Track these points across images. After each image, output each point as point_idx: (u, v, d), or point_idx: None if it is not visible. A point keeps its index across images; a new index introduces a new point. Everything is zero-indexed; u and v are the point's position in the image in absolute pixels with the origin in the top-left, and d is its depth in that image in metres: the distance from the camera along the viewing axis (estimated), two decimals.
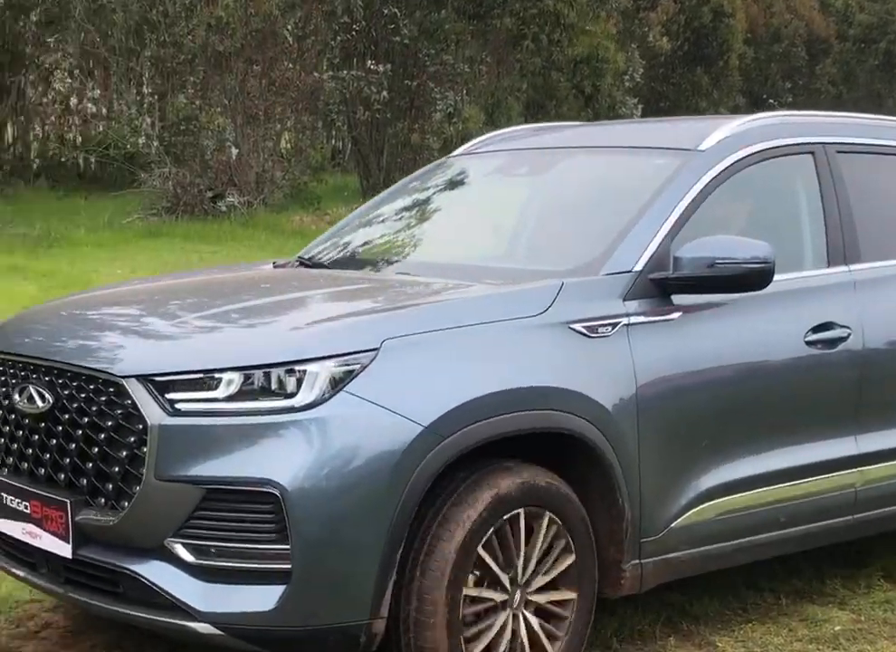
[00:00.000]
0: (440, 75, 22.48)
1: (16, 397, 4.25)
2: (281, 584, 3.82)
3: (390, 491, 3.88)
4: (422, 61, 22.32)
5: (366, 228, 5.73)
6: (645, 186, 4.84)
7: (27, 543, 4.24)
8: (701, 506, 4.62)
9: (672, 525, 4.56)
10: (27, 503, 4.20)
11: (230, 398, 3.89)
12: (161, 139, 20.37)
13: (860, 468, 5.08)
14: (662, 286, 4.56)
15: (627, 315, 4.46)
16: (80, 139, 19.86)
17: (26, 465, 4.27)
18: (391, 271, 5.19)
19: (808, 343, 4.90)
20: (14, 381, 4.32)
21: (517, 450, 4.30)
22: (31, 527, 4.20)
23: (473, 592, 4.10)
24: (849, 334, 5.01)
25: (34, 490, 4.19)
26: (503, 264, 5.05)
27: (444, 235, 5.52)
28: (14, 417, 4.30)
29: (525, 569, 4.23)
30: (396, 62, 22.44)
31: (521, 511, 4.18)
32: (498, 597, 4.17)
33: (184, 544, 3.88)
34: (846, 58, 31.60)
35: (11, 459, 4.35)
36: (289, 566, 3.81)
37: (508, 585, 4.18)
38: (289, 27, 21.00)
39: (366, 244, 5.60)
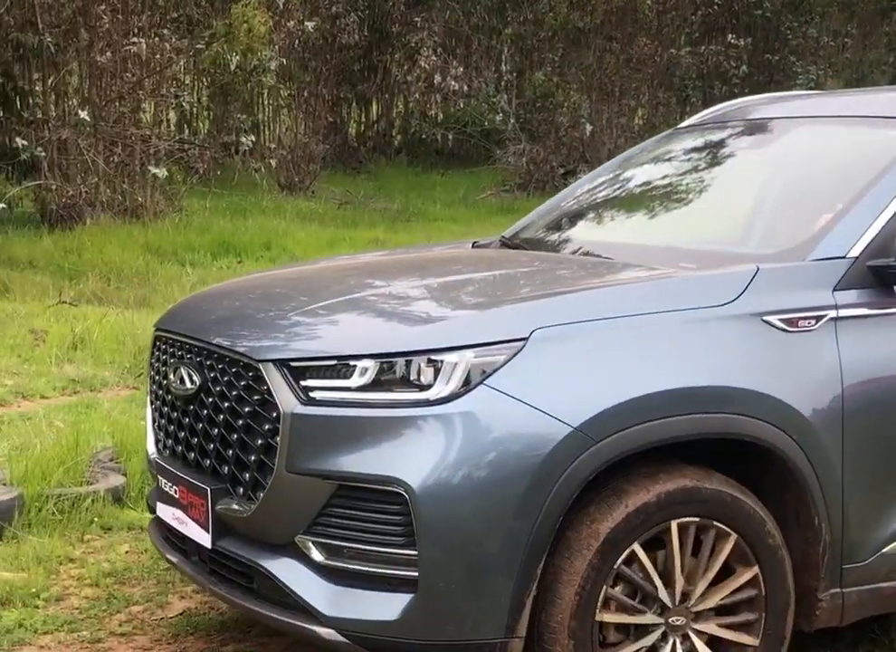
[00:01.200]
0: (802, 49, 21.29)
1: (171, 377, 4.02)
2: (408, 593, 3.41)
3: (531, 497, 3.39)
4: (784, 34, 21.19)
5: (574, 205, 5.18)
6: (874, 161, 4.10)
7: (179, 530, 4.01)
8: None
9: (884, 550, 3.86)
10: (177, 488, 3.98)
11: (363, 388, 3.50)
12: (517, 116, 20.22)
13: None
14: (883, 275, 3.84)
15: (836, 307, 3.77)
16: (440, 116, 19.96)
17: (179, 448, 4.04)
18: (583, 251, 4.63)
19: None
20: (171, 361, 4.09)
21: (699, 459, 3.70)
22: (179, 513, 3.98)
23: (613, 618, 3.55)
24: None
25: (182, 475, 3.95)
26: (706, 247, 4.39)
27: (650, 214, 4.92)
28: (169, 397, 4.08)
29: (689, 589, 3.63)
30: (758, 36, 21.40)
31: (681, 521, 3.57)
32: (648, 619, 3.59)
33: (314, 542, 3.53)
34: None
35: (169, 441, 4.14)
36: (416, 573, 3.39)
37: (666, 606, 3.60)
38: (649, 3, 20.41)
39: (567, 222, 5.04)
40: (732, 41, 20.52)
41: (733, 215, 4.75)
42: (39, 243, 12.74)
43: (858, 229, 3.88)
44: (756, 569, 3.68)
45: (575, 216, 5.09)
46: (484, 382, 3.42)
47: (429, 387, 3.44)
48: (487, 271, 4.44)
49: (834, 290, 3.79)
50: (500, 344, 3.46)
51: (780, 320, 3.70)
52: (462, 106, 20.18)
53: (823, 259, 3.85)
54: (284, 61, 16.83)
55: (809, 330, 3.73)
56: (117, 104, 14.44)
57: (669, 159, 5.14)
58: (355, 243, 14.19)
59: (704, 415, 3.59)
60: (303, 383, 3.55)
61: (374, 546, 3.44)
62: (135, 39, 14.02)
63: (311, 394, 3.53)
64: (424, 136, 20.58)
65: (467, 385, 3.42)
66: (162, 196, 14.43)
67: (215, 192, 16.15)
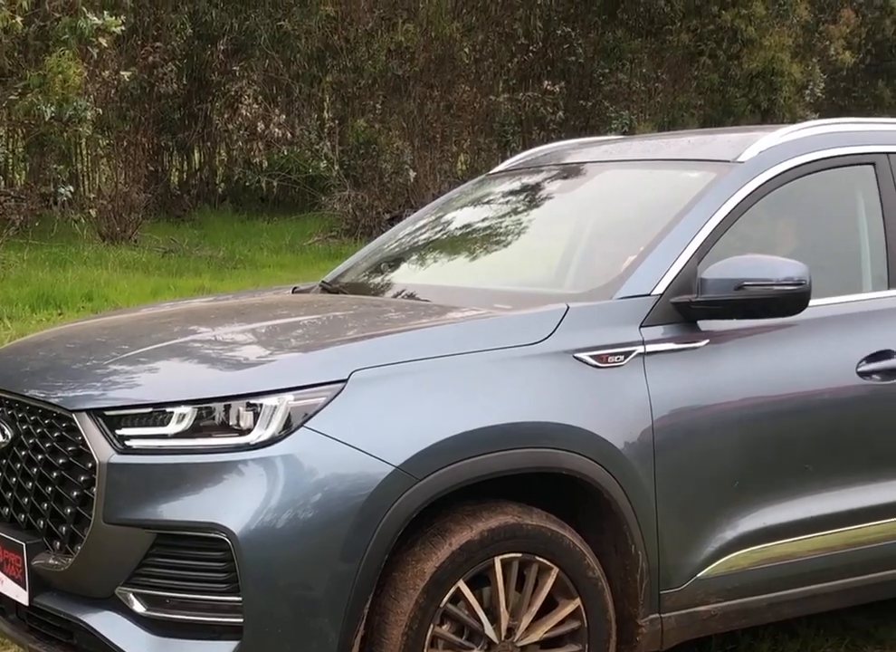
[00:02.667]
0: (615, 94, 21.88)
1: None
2: (233, 640, 3.39)
3: (356, 537, 3.41)
4: (597, 80, 21.75)
5: (392, 250, 5.26)
6: (676, 202, 4.26)
7: None
8: (734, 555, 4.03)
9: (699, 576, 3.98)
10: None
11: (181, 435, 3.48)
12: (341, 163, 20.31)
13: None
14: (685, 311, 3.99)
15: (643, 343, 3.90)
16: (265, 163, 19.92)
17: None
18: (402, 294, 4.71)
19: (861, 374, 4.24)
20: None
21: (522, 493, 3.79)
22: None
23: None
24: None
25: None
26: (520, 288, 4.53)
27: (466, 258, 5.02)
28: None
29: (514, 624, 3.69)
30: (572, 82, 21.93)
31: (504, 557, 3.63)
32: None
33: (135, 594, 3.47)
34: None
35: None
36: (241, 620, 3.37)
37: (493, 641, 3.65)
38: (466, 50, 20.74)
39: (386, 266, 5.11)
40: (548, 87, 20.96)
41: (545, 257, 4.92)
42: None
43: (661, 268, 4.02)
44: (578, 601, 3.76)
45: (393, 260, 5.15)
46: (305, 425, 3.43)
47: (249, 431, 3.43)
48: (307, 315, 4.46)
49: (641, 326, 3.92)
50: (319, 386, 3.49)
51: (591, 356, 3.82)
52: (285, 153, 20.17)
53: (629, 297, 3.98)
54: (101, 110, 16.54)
55: (619, 366, 3.85)
56: None
57: (482, 204, 5.25)
58: (180, 291, 14.02)
59: (521, 450, 3.67)
60: (119, 432, 3.52)
61: (197, 594, 3.41)
62: None
63: (128, 442, 3.50)
64: (248, 183, 20.47)
65: (287, 428, 3.43)
66: None
67: (33, 244, 15.80)
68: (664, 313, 3.97)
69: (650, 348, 3.90)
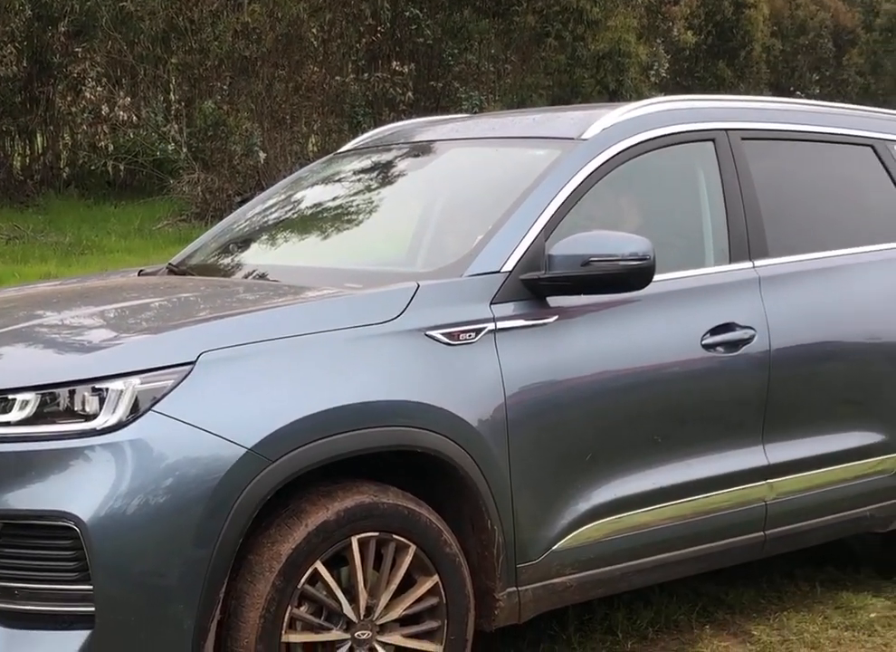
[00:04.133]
0: (465, 75, 21.91)
1: None
2: (85, 629, 3.33)
3: (209, 521, 3.38)
4: (446, 61, 21.76)
5: (240, 231, 5.20)
6: (522, 179, 4.31)
7: None
8: (587, 527, 4.10)
9: (554, 548, 4.04)
10: None
11: (25, 422, 3.41)
12: (189, 146, 19.97)
13: (769, 481, 4.53)
14: (535, 288, 4.03)
15: (494, 320, 3.93)
16: (110, 146, 19.50)
17: None
18: (250, 275, 4.67)
19: (706, 346, 4.35)
20: None
21: (381, 472, 3.80)
22: None
23: (299, 638, 3.59)
24: (753, 335, 4.45)
25: None
26: (371, 267, 4.52)
27: (316, 237, 4.99)
28: None
29: (373, 603, 3.69)
30: (421, 63, 21.89)
31: (361, 537, 3.64)
32: (335, 636, 3.63)
33: None
34: (873, 48, 30.69)
35: None
36: (92, 609, 3.31)
37: (351, 621, 3.65)
38: (314, 31, 20.56)
39: (234, 247, 5.05)
40: (397, 68, 20.93)
41: (395, 235, 4.92)
42: None
43: (509, 245, 4.06)
44: (436, 578, 3.79)
45: (242, 241, 5.10)
46: (153, 408, 3.39)
47: (95, 416, 3.38)
48: (153, 297, 4.39)
49: (492, 303, 3.95)
50: (167, 369, 3.44)
51: (442, 334, 3.84)
52: (131, 136, 19.76)
53: (479, 274, 4.01)
54: None
55: (470, 343, 3.88)
56: None
57: (331, 183, 5.22)
58: (25, 278, 13.65)
59: (375, 429, 3.68)
60: None
61: (47, 584, 3.35)
62: None
63: None
64: (93, 167, 20.03)
65: (135, 412, 3.38)
66: None
67: None
68: (514, 290, 4.00)
69: (501, 324, 3.94)
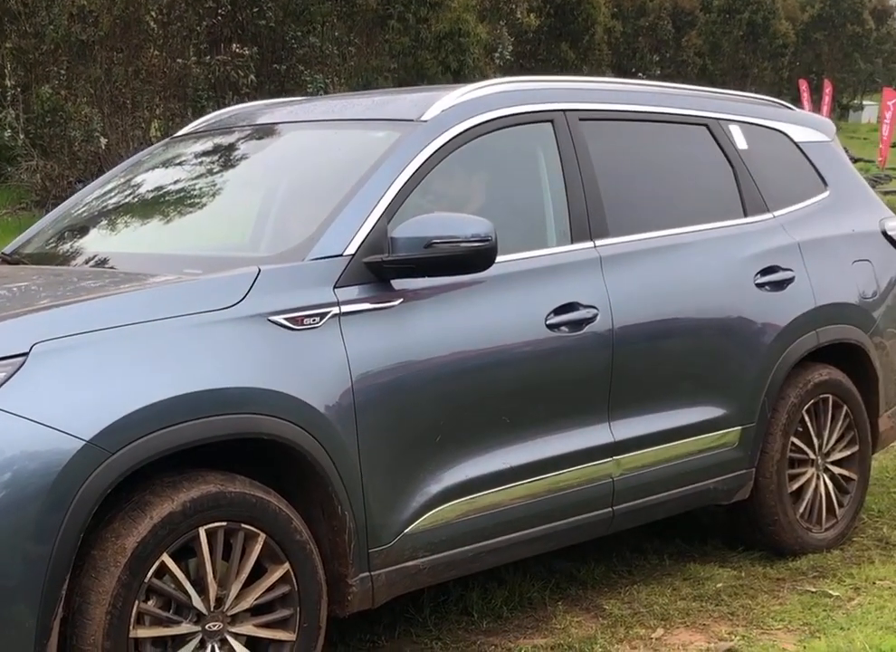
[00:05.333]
0: (308, 58, 21.75)
1: None
2: None
3: (49, 516, 3.29)
4: (289, 43, 21.58)
5: (76, 216, 5.06)
6: (362, 162, 4.29)
7: None
8: (438, 509, 4.11)
9: (406, 532, 4.04)
10: None
11: None
12: (27, 132, 19.47)
13: (616, 457, 4.60)
14: (378, 271, 4.02)
15: (338, 304, 3.91)
16: None
17: None
18: (86, 263, 4.54)
19: (550, 326, 4.39)
20: None
21: (228, 460, 3.74)
22: None
23: (148, 633, 3.52)
24: (595, 315, 4.50)
25: None
26: (211, 253, 4.44)
27: (155, 223, 4.88)
28: None
29: (223, 594, 3.64)
30: (264, 46, 21.66)
31: (209, 527, 3.59)
32: (185, 629, 3.57)
33: None
34: (711, 29, 31.33)
35: None
36: None
37: (202, 613, 3.59)
38: (153, 13, 20.17)
39: (69, 234, 4.91)
40: (237, 50, 20.66)
41: (235, 220, 4.84)
42: None
43: (351, 228, 4.04)
44: (286, 565, 3.76)
45: (78, 228, 4.96)
46: None
47: None
48: None
49: (335, 287, 3.93)
50: None
51: (286, 319, 3.80)
52: None
53: (321, 258, 3.98)
54: None
55: (314, 328, 3.85)
56: None
57: (169, 167, 5.12)
58: None
59: (218, 417, 3.62)
60: None
61: None
62: None
63: None
64: None
65: None
66: None
67: None
68: (358, 274, 3.98)
69: (345, 308, 3.92)
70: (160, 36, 20.83)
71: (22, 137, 19.27)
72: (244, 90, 20.79)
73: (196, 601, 3.57)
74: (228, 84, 20.91)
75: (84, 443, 3.34)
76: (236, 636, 3.67)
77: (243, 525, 3.66)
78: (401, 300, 4.04)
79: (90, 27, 19.67)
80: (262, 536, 3.69)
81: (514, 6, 24.14)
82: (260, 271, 3.85)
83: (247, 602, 3.69)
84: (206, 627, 3.60)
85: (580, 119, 4.75)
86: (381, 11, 22.13)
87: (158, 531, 3.48)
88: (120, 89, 20.41)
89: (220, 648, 3.63)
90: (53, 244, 4.86)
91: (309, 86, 20.83)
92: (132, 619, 3.45)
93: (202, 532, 3.58)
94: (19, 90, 20.14)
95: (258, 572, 3.73)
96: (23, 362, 3.35)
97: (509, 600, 4.86)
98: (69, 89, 19.84)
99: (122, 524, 3.47)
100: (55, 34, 19.49)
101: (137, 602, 3.46)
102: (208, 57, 20.86)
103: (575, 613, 4.78)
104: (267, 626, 3.75)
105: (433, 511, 4.08)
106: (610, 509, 4.62)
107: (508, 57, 23.37)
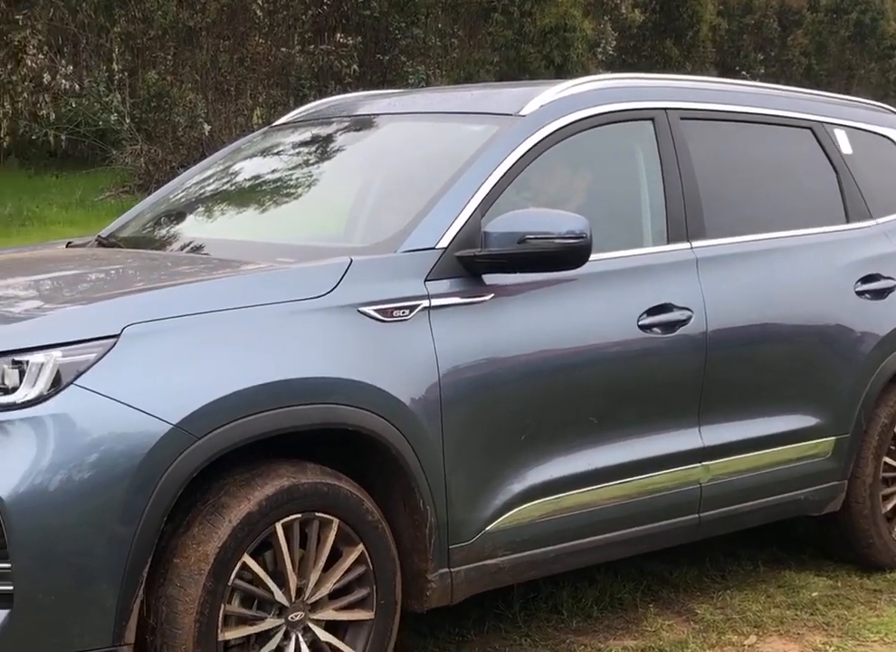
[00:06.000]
0: (411, 49, 21.77)
1: None
2: (3, 609, 3.21)
3: (132, 499, 3.29)
4: (393, 34, 21.61)
5: (173, 202, 5.08)
6: (459, 155, 4.24)
7: None
8: (522, 507, 4.05)
9: (487, 529, 3.99)
10: None
11: None
12: (132, 116, 19.74)
13: (705, 463, 4.51)
14: (470, 265, 3.96)
15: (428, 297, 3.87)
16: (52, 116, 19.19)
17: None
18: (180, 248, 4.56)
19: (642, 327, 4.31)
20: None
21: (310, 450, 3.72)
22: None
23: (235, 633, 3.51)
24: (690, 317, 4.41)
25: None
26: (305, 242, 4.40)
27: (249, 211, 4.89)
28: None
29: (303, 583, 3.63)
30: (368, 36, 21.73)
31: (287, 521, 3.57)
32: (270, 624, 3.57)
33: None
34: (818, 29, 30.74)
35: None
36: (10, 587, 3.20)
37: (284, 606, 3.58)
38: (259, 2, 20.33)
39: (165, 220, 4.93)
40: (342, 40, 20.74)
41: (329, 210, 4.83)
42: None
43: (445, 221, 3.99)
44: (361, 546, 3.74)
45: (174, 213, 4.97)
46: (75, 382, 3.28)
47: (15, 390, 3.25)
48: (79, 269, 4.27)
49: (426, 280, 3.89)
50: (90, 342, 3.34)
51: (375, 310, 3.77)
52: (73, 106, 19.46)
53: (413, 250, 3.94)
54: None
55: (404, 320, 3.81)
56: None
57: (266, 157, 5.12)
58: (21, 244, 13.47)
59: (304, 406, 3.60)
60: None
61: None
62: None
63: None
64: (34, 137, 19.72)
65: (56, 386, 3.26)
66: None
67: None
68: (449, 267, 3.94)
69: (435, 302, 3.87)
70: (266, 24, 21.02)
71: (127, 121, 19.54)
72: (347, 79, 20.89)
73: (278, 594, 3.56)
74: (331, 74, 21.02)
75: (171, 427, 3.33)
76: (317, 622, 3.67)
77: (317, 513, 3.63)
78: (492, 295, 3.99)
79: (198, 14, 19.92)
80: (336, 521, 3.67)
81: (619, 1, 23.95)
82: (351, 261, 3.83)
83: (326, 588, 3.68)
84: (289, 618, 3.59)
85: (681, 119, 4.67)
86: (485, 4, 22.07)
87: (238, 533, 3.46)
88: (225, 76, 20.63)
89: (303, 637, 3.63)
90: (149, 229, 4.88)
91: (410, 77, 20.84)
92: (220, 623, 3.44)
93: (279, 526, 3.56)
94: (126, 74, 20.45)
95: (333, 557, 3.71)
96: (114, 344, 3.34)
97: (600, 600, 4.81)
98: (174, 74, 20.11)
99: (202, 530, 3.45)
100: (163, 20, 19.75)
101: (223, 606, 3.45)
102: (312, 46, 20.98)
103: (666, 616, 4.73)
104: (346, 608, 3.74)
105: (516, 509, 4.03)
106: (696, 515, 4.53)
107: (611, 52, 23.19)
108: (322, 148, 4.99)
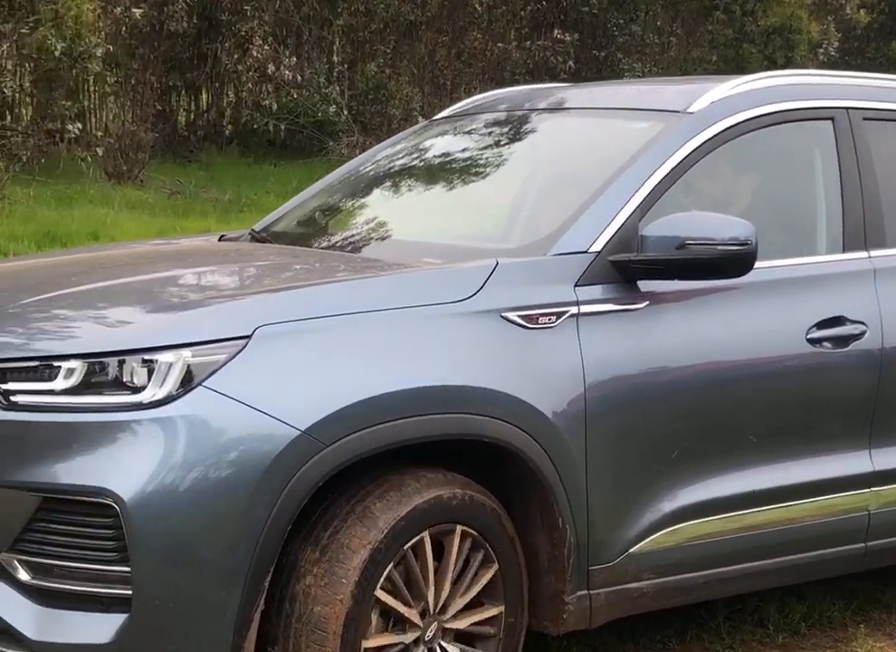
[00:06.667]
0: (628, 46, 21.32)
1: None
2: (122, 613, 3.09)
3: (256, 506, 3.11)
4: (610, 31, 21.20)
5: (325, 199, 4.91)
6: (621, 154, 3.96)
7: None
8: (669, 529, 3.77)
9: (631, 551, 3.71)
10: None
11: (70, 391, 3.15)
12: (350, 108, 19.89)
13: (874, 488, 4.13)
14: (625, 270, 3.68)
15: (577, 303, 3.60)
16: (274, 106, 19.48)
17: None
18: (328, 246, 4.39)
19: (811, 341, 3.96)
20: None
21: (438, 459, 3.51)
22: None
23: (375, 642, 3.33)
24: (864, 331, 4.04)
25: None
26: (453, 241, 4.16)
27: (400, 208, 4.68)
28: None
29: (438, 596, 3.43)
30: (585, 33, 21.37)
31: (429, 532, 3.38)
32: (408, 638, 3.38)
33: (20, 561, 3.17)
34: None
35: None
36: (130, 592, 3.07)
37: (419, 620, 3.40)
38: None
39: (318, 216, 4.77)
40: (559, 36, 20.46)
41: (481, 208, 4.56)
42: None
43: (600, 223, 3.72)
44: (496, 562, 3.53)
45: (325, 209, 4.82)
46: (203, 383, 3.13)
47: (143, 389, 3.12)
48: (220, 265, 4.14)
49: (576, 285, 3.62)
50: (220, 342, 3.18)
51: (520, 316, 3.51)
52: (294, 96, 19.72)
53: (564, 254, 3.68)
54: (111, 47, 16.26)
55: (550, 327, 3.55)
56: None
57: (424, 152, 4.91)
58: (186, 233, 13.73)
59: (440, 415, 3.37)
60: (4, 387, 3.21)
61: (85, 563, 3.12)
62: None
63: (13, 398, 3.19)
64: (256, 126, 20.03)
65: (185, 386, 3.12)
66: None
67: (39, 180, 15.46)
68: (602, 272, 3.67)
69: (585, 308, 3.61)
70: (484, 20, 20.91)
71: (345, 113, 19.69)
72: (562, 75, 20.58)
73: (416, 605, 3.38)
74: (545, 69, 20.73)
75: (299, 433, 3.14)
76: (450, 635, 3.48)
77: (459, 526, 3.43)
78: (646, 302, 3.71)
79: (419, 8, 19.95)
80: (475, 534, 3.46)
81: (844, 2, 22.99)
82: (497, 264, 3.58)
83: (462, 601, 3.48)
84: (426, 630, 3.41)
85: (864, 119, 4.27)
86: (706, 1, 21.46)
87: (387, 540, 3.27)
88: (441, 70, 20.63)
89: (436, 649, 3.45)
90: (301, 224, 4.74)
91: (626, 74, 20.43)
92: (363, 632, 3.27)
93: (426, 536, 3.36)
94: (346, 66, 20.60)
95: (468, 571, 3.50)
96: (245, 345, 3.18)
97: (808, 617, 4.59)
98: (392, 68, 20.18)
99: (347, 537, 3.27)
100: (385, 14, 19.88)
101: (368, 616, 3.28)
102: (528, 42, 20.76)
103: (877, 637, 4.48)
104: (477, 623, 3.54)
105: (663, 531, 3.74)
106: (863, 544, 4.15)
107: (833, 53, 22.25)
108: (480, 143, 4.76)
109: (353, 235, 4.44)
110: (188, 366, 3.13)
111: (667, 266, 3.65)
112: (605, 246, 3.68)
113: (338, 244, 4.36)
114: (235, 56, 19.81)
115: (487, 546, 3.50)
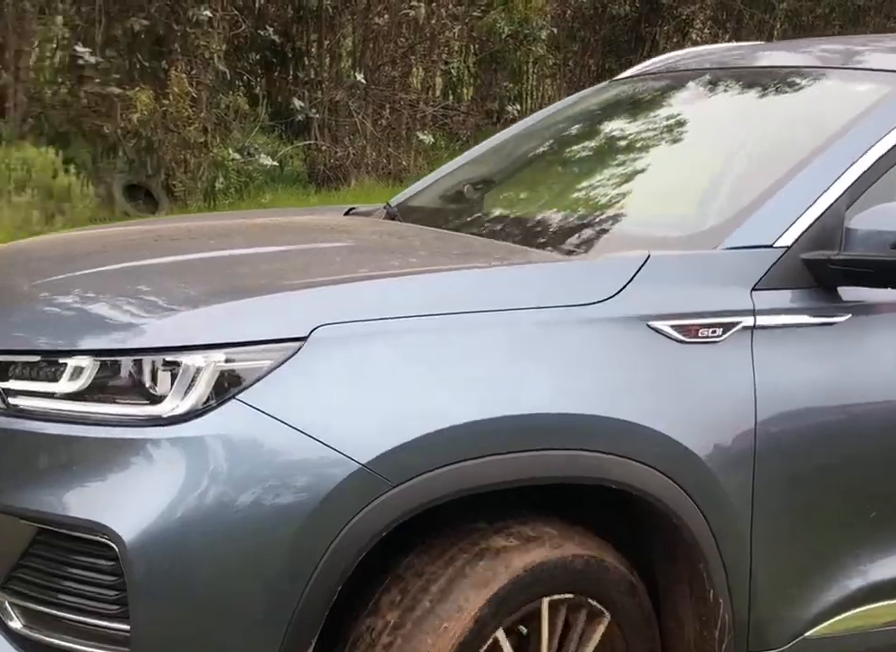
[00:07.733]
0: None
1: None
2: None
3: (297, 558, 2.37)
4: None
5: (476, 168, 4.09)
6: (829, 123, 3.03)
7: None
8: (861, 609, 2.87)
9: (808, 634, 2.83)
10: None
11: (74, 396, 2.48)
12: None
13: None
14: (821, 273, 2.77)
15: (754, 312, 2.72)
16: None
17: None
18: (457, 226, 3.58)
19: None
20: None
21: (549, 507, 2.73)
22: None
23: None
24: None
25: None
26: (603, 226, 3.27)
27: (556, 183, 3.82)
28: None
29: None
30: None
31: (548, 601, 2.61)
32: None
33: (12, 604, 2.54)
34: None
35: None
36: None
37: None
38: None
39: (469, 188, 3.95)
40: None
41: (651, 187, 3.57)
42: (306, 201, 12.20)
43: (792, 211, 2.82)
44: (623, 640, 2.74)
45: (476, 182, 4.01)
46: (238, 396, 2.40)
47: (162, 399, 2.42)
48: (309, 244, 3.34)
49: (754, 289, 2.74)
50: (265, 344, 2.43)
51: (673, 326, 2.65)
52: None
53: (741, 248, 2.80)
54: (555, 30, 16.49)
55: (713, 342, 2.68)
56: (388, 68, 14.32)
57: (597, 117, 4.07)
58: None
59: (548, 452, 2.54)
60: (5, 385, 2.57)
61: (80, 615, 2.44)
62: (414, 2, 13.72)
63: (12, 400, 2.54)
64: None
65: (214, 399, 2.40)
66: (425, 160, 13.99)
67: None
68: (790, 273, 2.77)
69: (763, 320, 2.72)
70: None
71: None
72: None
73: None
74: None
75: (359, 467, 2.38)
76: None
77: (587, 600, 2.66)
78: (848, 315, 2.79)
79: None
80: (607, 616, 2.68)
81: None
82: (648, 257, 2.71)
83: None
84: None
85: None
86: None
87: (494, 605, 2.53)
88: None
89: None
90: (437, 199, 3.96)
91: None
92: None
93: (545, 604, 2.60)
94: None
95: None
96: (298, 349, 2.42)
97: None
98: None
99: (442, 600, 2.53)
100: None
101: None
102: None
103: None
104: None
105: (852, 611, 2.85)
106: None
107: None
108: (660, 109, 3.85)
109: (492, 215, 3.64)
110: (221, 372, 2.41)
111: (880, 269, 2.71)
112: (796, 240, 2.77)
113: (471, 225, 3.57)
114: (675, 40, 19.26)
115: (619, 633, 2.72)
